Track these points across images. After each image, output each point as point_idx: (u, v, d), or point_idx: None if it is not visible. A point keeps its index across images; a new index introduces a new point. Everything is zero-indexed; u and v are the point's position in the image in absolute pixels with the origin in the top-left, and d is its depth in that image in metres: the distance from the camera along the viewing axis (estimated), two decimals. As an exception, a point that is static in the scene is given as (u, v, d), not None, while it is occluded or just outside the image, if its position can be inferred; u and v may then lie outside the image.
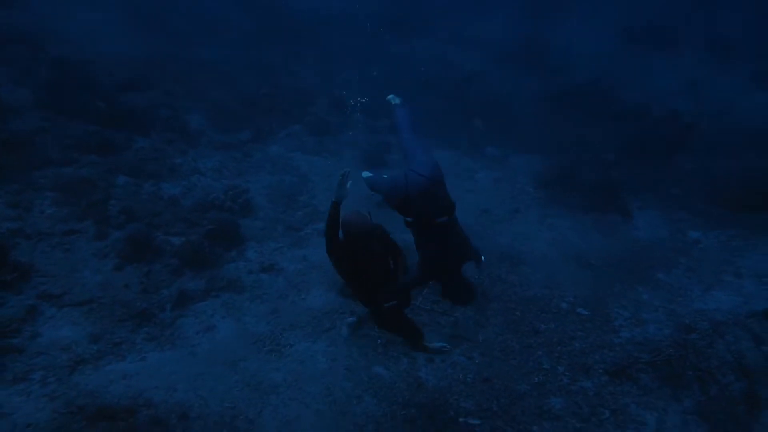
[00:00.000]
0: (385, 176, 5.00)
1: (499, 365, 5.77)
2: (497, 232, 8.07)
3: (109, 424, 4.38)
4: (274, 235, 7.53)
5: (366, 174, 5.16)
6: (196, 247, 6.43)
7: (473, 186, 9.63)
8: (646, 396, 5.39)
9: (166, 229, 6.78)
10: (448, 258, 4.64)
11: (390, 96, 5.39)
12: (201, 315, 5.95)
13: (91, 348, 5.14)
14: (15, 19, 11.71)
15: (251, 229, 7.48)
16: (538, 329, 6.22)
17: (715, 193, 8.95)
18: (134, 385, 4.91)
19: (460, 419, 5.17)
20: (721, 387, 5.17)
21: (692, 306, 6.37)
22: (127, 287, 5.91)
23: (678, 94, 13.84)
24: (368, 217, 4.35)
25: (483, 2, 20.70)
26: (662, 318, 6.21)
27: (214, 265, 6.60)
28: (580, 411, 5.26)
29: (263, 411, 4.99)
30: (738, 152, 10.12)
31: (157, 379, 5.05)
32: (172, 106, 9.86)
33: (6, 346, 4.84)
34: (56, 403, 4.49)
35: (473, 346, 6.02)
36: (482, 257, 5.03)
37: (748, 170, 9.07)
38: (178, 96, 10.37)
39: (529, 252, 7.58)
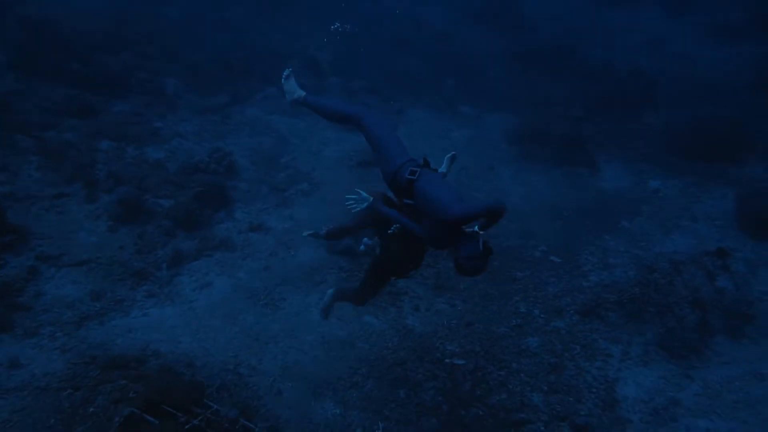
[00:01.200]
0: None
1: (479, 311, 6.24)
2: (475, 188, 8.45)
3: (122, 372, 4.67)
4: (260, 196, 7.74)
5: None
6: (187, 209, 6.62)
7: (450, 144, 9.95)
8: (612, 331, 5.96)
9: (155, 191, 6.92)
10: None
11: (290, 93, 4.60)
12: (196, 273, 6.21)
13: (95, 305, 5.37)
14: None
15: (237, 190, 7.67)
16: (515, 276, 6.70)
17: (675, 144, 9.49)
18: (140, 338, 5.20)
19: (446, 360, 5.64)
20: (678, 319, 5.76)
21: (653, 249, 6.94)
22: (123, 248, 6.10)
23: (640, 50, 14.24)
24: None
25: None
26: (627, 261, 6.76)
27: (204, 226, 6.82)
28: (554, 348, 5.79)
29: (264, 358, 5.35)
30: (696, 104, 10.64)
31: (161, 332, 5.34)
32: (148, 68, 9.78)
33: (13, 304, 5.04)
34: (69, 355, 4.76)
35: (455, 294, 6.46)
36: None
37: (704, 121, 9.62)
38: (152, 58, 10.26)
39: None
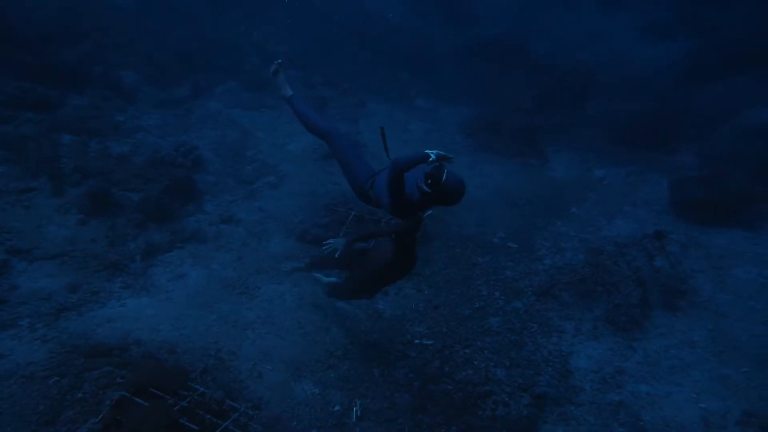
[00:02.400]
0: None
1: (444, 294, 6.64)
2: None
3: (106, 359, 4.77)
4: (228, 188, 7.87)
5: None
6: (157, 202, 6.68)
7: (408, 137, 10.33)
8: (565, 310, 6.50)
9: (123, 185, 6.93)
10: None
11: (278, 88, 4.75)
12: (170, 264, 6.31)
13: (71, 297, 5.41)
14: None
15: (205, 183, 7.76)
16: (476, 262, 7.15)
17: (615, 135, 10.27)
18: (120, 327, 5.29)
19: (416, 341, 6.01)
20: (623, 296, 6.36)
21: (600, 233, 7.56)
22: (95, 241, 6.12)
23: (580, 45, 15.09)
24: None
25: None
26: (577, 245, 7.34)
27: (175, 219, 6.90)
28: (514, 326, 6.26)
29: (243, 344, 5.55)
30: (632, 97, 11.47)
31: (141, 321, 5.44)
32: (104, 61, 9.63)
33: (-12, 298, 5.02)
34: (51, 345, 4.81)
35: (422, 279, 6.84)
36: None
37: (640, 113, 10.44)
38: (108, 50, 10.08)
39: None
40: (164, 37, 11.52)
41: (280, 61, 4.72)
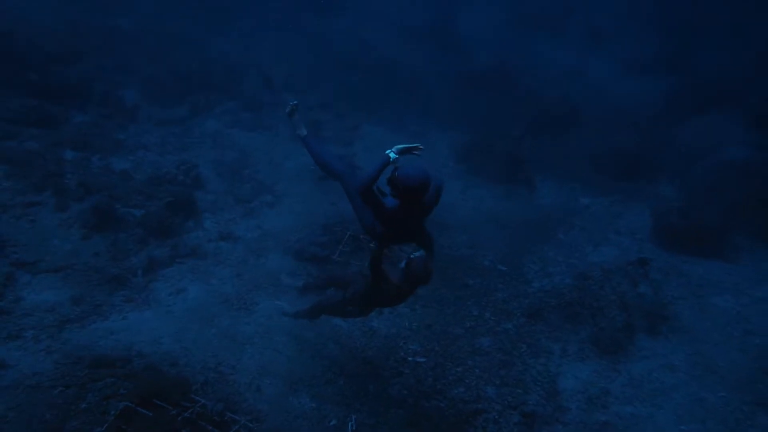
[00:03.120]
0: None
1: (437, 314, 6.85)
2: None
3: (110, 370, 4.88)
4: (226, 206, 8.05)
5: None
6: (159, 218, 6.84)
7: (403, 160, 10.59)
8: (553, 331, 6.73)
9: (125, 201, 7.07)
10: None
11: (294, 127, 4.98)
12: (171, 279, 6.45)
13: (75, 309, 5.52)
14: None
15: (204, 201, 7.94)
16: (467, 283, 7.38)
17: (599, 165, 10.67)
18: (122, 339, 5.40)
19: (409, 358, 6.20)
20: (608, 320, 6.63)
21: (586, 259, 7.85)
22: (97, 255, 6.24)
23: (564, 78, 15.65)
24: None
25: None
26: (564, 270, 7.62)
27: (175, 235, 7.05)
28: (504, 346, 6.47)
29: (242, 358, 5.69)
30: (615, 129, 11.93)
31: (142, 334, 5.56)
32: (106, 80, 9.84)
33: (-5, 309, 5.11)
34: (55, 356, 4.91)
35: (415, 299, 7.03)
36: None
37: (623, 145, 10.89)
38: (109, 70, 10.31)
39: (455, 218, 8.72)
40: (163, 57, 11.76)
41: (295, 102, 4.84)
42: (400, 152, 3.85)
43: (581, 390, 6.05)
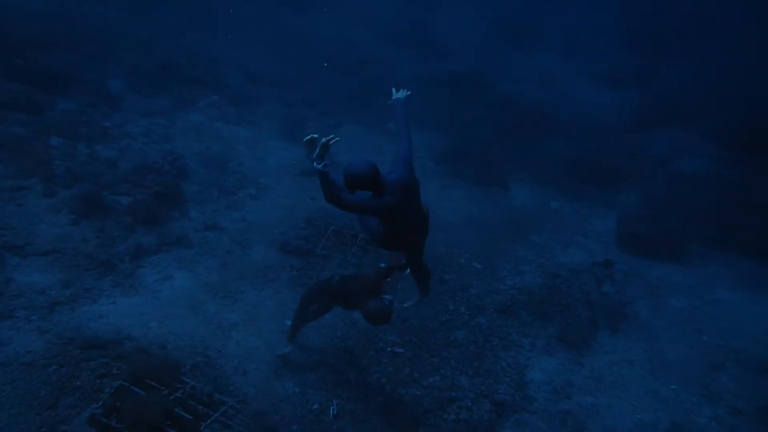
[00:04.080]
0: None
1: (414, 308, 7.15)
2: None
3: (101, 351, 5.05)
4: (211, 198, 8.20)
5: None
6: (147, 207, 6.97)
7: (382, 160, 10.88)
8: (523, 327, 7.12)
9: (112, 189, 7.17)
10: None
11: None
12: (157, 266, 6.59)
13: (65, 292, 5.64)
14: None
15: (189, 192, 8.07)
16: (444, 279, 7.72)
17: (569, 171, 11.19)
18: (112, 323, 5.55)
19: (388, 349, 6.49)
20: (574, 317, 7.07)
21: (555, 259, 8.31)
22: (86, 241, 6.34)
23: (538, 86, 16.24)
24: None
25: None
26: (535, 269, 8.05)
27: (161, 223, 7.18)
28: (477, 340, 6.82)
29: (228, 344, 5.90)
30: (584, 137, 12.52)
31: (131, 318, 5.72)
32: (91, 68, 9.84)
33: (-15, 289, 5.19)
34: (47, 336, 5.04)
35: (394, 294, 7.29)
36: None
37: (591, 153, 11.46)
38: (95, 58, 10.29)
39: (433, 217, 8.99)
40: (148, 48, 11.79)
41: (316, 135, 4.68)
42: (320, 156, 3.69)
43: (547, 381, 6.45)
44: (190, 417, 4.67)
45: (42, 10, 11.03)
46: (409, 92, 4.72)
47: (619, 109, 14.66)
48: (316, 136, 3.96)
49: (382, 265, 5.70)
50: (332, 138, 3.79)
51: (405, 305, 5.51)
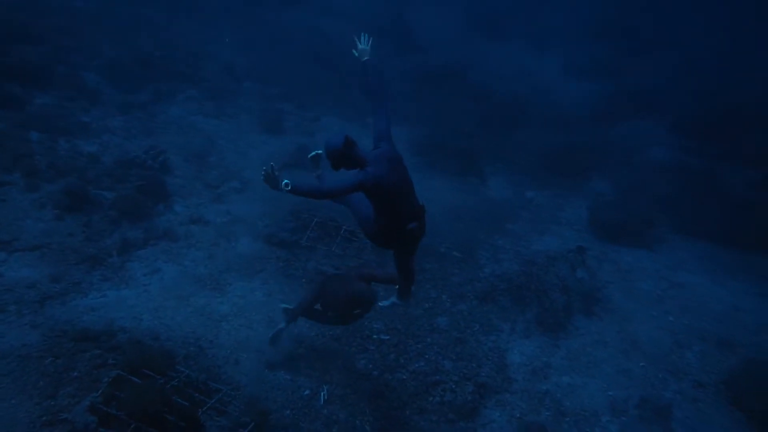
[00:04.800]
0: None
1: (389, 309, 7.33)
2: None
3: (95, 343, 5.14)
4: (195, 191, 8.27)
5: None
6: (131, 201, 7.01)
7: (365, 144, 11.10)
8: (503, 312, 7.42)
9: (95, 183, 7.19)
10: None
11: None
12: (145, 260, 6.67)
13: (54, 286, 5.69)
14: None
15: (173, 186, 8.12)
16: (425, 268, 7.97)
17: (543, 161, 11.55)
18: (103, 315, 5.64)
19: (374, 336, 6.71)
20: (551, 301, 7.39)
21: (532, 247, 8.64)
22: (72, 235, 6.38)
23: (512, 79, 16.57)
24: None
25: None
26: (512, 257, 8.37)
27: (147, 218, 7.24)
28: (459, 325, 7.09)
29: (219, 334, 6.04)
30: (556, 128, 12.90)
31: (122, 311, 5.81)
32: (67, 62, 9.72)
33: (-25, 285, 5.21)
34: (40, 329, 5.11)
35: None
36: None
37: (563, 143, 11.84)
38: (70, 51, 10.16)
39: (413, 209, 9.27)
40: (124, 41, 11.68)
41: (319, 152, 4.70)
42: (280, 169, 3.96)
43: (526, 363, 6.77)
44: (187, 404, 4.81)
45: (17, 3, 10.81)
46: (371, 38, 4.61)
47: (590, 100, 15.11)
48: (320, 152, 4.15)
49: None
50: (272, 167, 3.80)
51: (380, 304, 5.65)
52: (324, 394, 5.74)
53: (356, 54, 4.61)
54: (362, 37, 4.61)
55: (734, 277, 8.60)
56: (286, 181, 3.74)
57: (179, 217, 7.60)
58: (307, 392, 5.73)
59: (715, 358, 6.98)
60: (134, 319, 5.74)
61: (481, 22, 20.40)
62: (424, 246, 8.52)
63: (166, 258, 6.83)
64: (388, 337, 6.76)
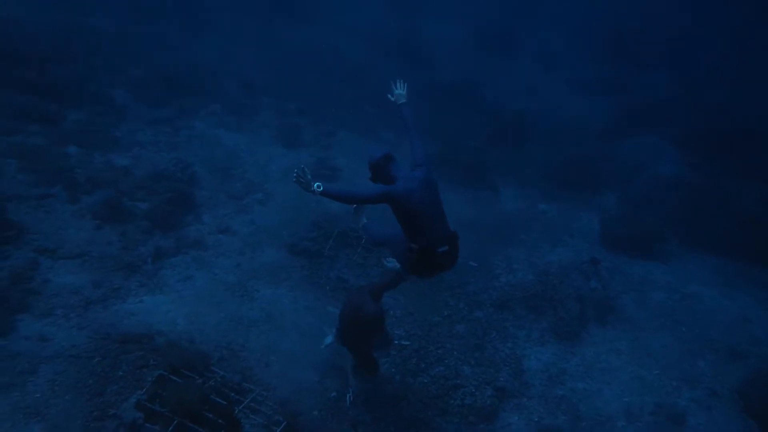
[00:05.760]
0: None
1: (417, 303, 7.65)
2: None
3: (137, 345, 5.43)
4: (220, 203, 8.61)
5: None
6: (163, 211, 7.34)
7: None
8: (518, 320, 7.68)
9: (130, 195, 7.53)
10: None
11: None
12: (178, 267, 6.99)
13: (96, 292, 6.00)
14: None
15: (200, 197, 8.46)
16: (443, 277, 8.20)
17: (552, 175, 11.83)
18: (142, 320, 5.93)
19: (395, 341, 6.97)
20: (566, 310, 7.64)
21: (545, 258, 8.90)
22: (110, 244, 6.71)
23: (520, 94, 16.94)
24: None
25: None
26: (526, 267, 8.62)
27: (178, 227, 7.57)
28: (477, 332, 7.35)
29: (249, 338, 6.32)
30: (565, 143, 13.19)
31: (159, 316, 6.11)
32: (96, 80, 10.15)
33: (26, 289, 5.54)
34: (86, 332, 5.42)
35: (397, 290, 7.72)
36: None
37: (571, 159, 12.13)
38: (99, 70, 10.60)
39: (429, 221, 9.56)
40: (147, 59, 12.12)
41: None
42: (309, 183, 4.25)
43: (543, 369, 7.00)
44: (225, 402, 5.09)
45: (46, 24, 11.30)
46: (406, 84, 5.06)
47: (596, 116, 15.44)
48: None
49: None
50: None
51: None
52: (350, 396, 5.99)
53: (392, 98, 5.05)
54: (398, 83, 5.03)
55: (743, 289, 8.82)
56: (317, 183, 4.20)
57: (207, 227, 7.92)
58: (333, 394, 5.98)
59: (727, 367, 7.19)
60: (170, 323, 6.03)
61: (489, 40, 20.83)
62: (441, 256, 8.83)
63: (197, 266, 7.14)
64: (408, 343, 7.01)
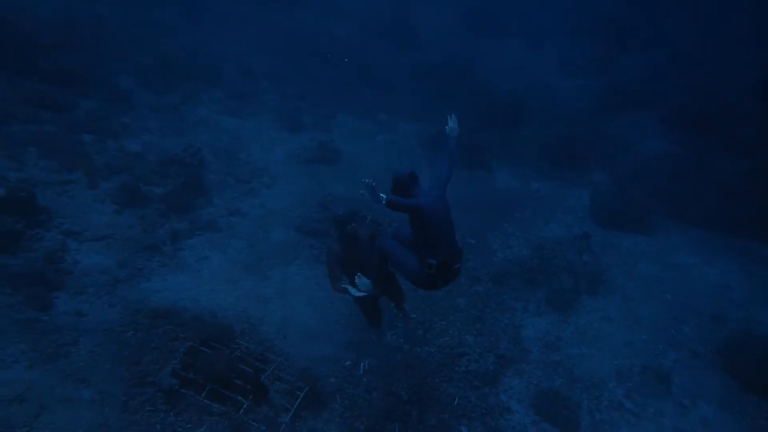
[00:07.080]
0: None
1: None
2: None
3: (165, 320, 5.83)
4: (229, 186, 8.95)
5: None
6: (178, 195, 7.67)
7: (376, 146, 11.83)
8: (516, 293, 8.15)
9: (145, 180, 7.84)
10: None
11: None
12: (194, 248, 7.36)
13: (122, 272, 6.37)
14: None
15: (210, 181, 8.79)
16: (444, 254, 8.67)
17: (544, 154, 12.24)
18: (167, 297, 6.32)
19: (401, 314, 7.41)
20: (560, 282, 8.14)
21: (540, 234, 9.37)
22: (131, 227, 7.06)
23: (511, 74, 17.25)
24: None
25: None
26: (522, 243, 9.09)
27: (191, 210, 7.91)
28: (477, 305, 7.81)
29: (266, 313, 6.74)
30: (556, 122, 13.56)
31: (181, 293, 6.49)
32: (101, 67, 10.33)
33: (59, 269, 5.89)
34: (117, 308, 5.81)
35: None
36: None
37: (562, 137, 12.53)
38: (105, 57, 10.76)
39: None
40: (148, 45, 12.29)
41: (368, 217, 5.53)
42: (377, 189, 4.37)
43: (540, 338, 7.50)
44: (251, 370, 5.51)
45: (52, 12, 11.41)
46: (457, 117, 5.48)
47: (586, 95, 15.83)
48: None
49: None
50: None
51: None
52: (365, 365, 6.45)
53: (447, 131, 5.44)
54: (451, 118, 5.48)
55: (724, 258, 9.36)
56: (383, 195, 4.48)
57: (219, 209, 8.28)
58: (348, 363, 6.44)
59: (709, 330, 7.74)
60: (193, 300, 6.43)
61: (478, 19, 21.00)
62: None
63: (212, 247, 7.51)
64: (414, 316, 7.46)
